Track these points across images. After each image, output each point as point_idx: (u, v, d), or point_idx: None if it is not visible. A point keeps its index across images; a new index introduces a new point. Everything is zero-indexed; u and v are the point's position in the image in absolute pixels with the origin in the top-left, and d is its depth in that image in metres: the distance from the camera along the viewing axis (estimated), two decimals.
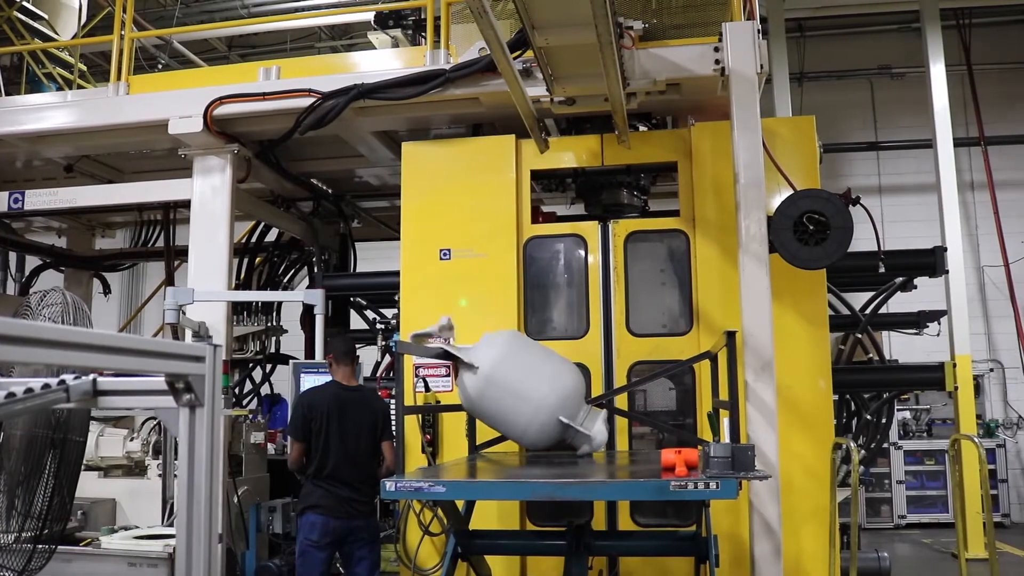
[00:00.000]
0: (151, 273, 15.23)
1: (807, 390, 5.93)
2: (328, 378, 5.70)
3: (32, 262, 10.62)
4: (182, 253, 8.52)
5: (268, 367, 9.53)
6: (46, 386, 2.06)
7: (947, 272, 7.19)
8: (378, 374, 7.80)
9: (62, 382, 2.14)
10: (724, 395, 4.68)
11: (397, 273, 6.70)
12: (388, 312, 8.14)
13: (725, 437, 4.41)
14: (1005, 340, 13.08)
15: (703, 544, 4.79)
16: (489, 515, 5.86)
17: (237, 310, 8.82)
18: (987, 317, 13.13)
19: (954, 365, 6.71)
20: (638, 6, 6.07)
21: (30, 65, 9.65)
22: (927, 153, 11.75)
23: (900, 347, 10.66)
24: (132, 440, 7.05)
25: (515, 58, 6.06)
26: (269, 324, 9.16)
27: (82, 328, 3.63)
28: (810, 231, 5.49)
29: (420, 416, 6.19)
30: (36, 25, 9.98)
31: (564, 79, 5.61)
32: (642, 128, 6.85)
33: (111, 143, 7.86)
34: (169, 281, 9.46)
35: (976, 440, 6.22)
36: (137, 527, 6.20)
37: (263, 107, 6.88)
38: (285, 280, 9.73)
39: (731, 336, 4.41)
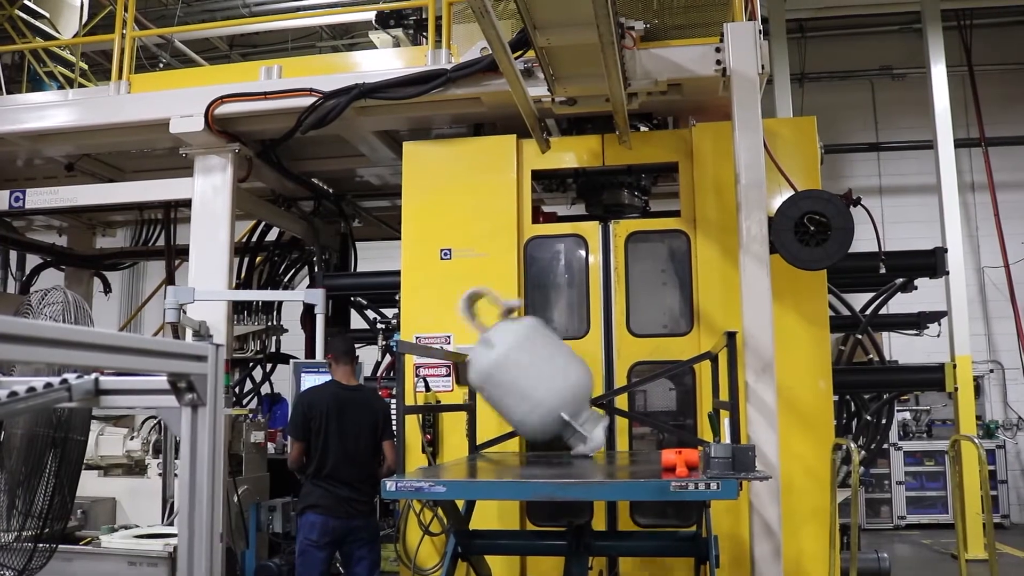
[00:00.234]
0: (151, 272, 15.22)
1: (807, 391, 5.92)
2: (328, 378, 5.69)
3: (33, 261, 10.61)
4: (183, 252, 8.51)
5: (268, 366, 9.53)
6: (48, 385, 2.06)
7: (947, 273, 7.18)
8: (378, 374, 7.80)
9: (64, 381, 2.14)
10: (725, 396, 4.68)
11: (398, 273, 6.69)
12: (389, 312, 8.13)
13: (726, 438, 4.41)
14: (1005, 341, 13.07)
15: (703, 545, 4.78)
16: (489, 515, 5.85)
17: (237, 309, 8.82)
18: (987, 318, 13.13)
19: (954, 366, 6.72)
20: (639, 6, 6.06)
21: (31, 63, 9.65)
22: (928, 154, 11.75)
23: (900, 348, 10.65)
24: (132, 439, 7.05)
25: (516, 58, 6.06)
26: (269, 323, 9.17)
27: (85, 327, 3.63)
28: (811, 232, 5.49)
29: (420, 416, 6.18)
30: (37, 24, 9.98)
31: (565, 79, 5.61)
32: (643, 128, 6.84)
33: (112, 142, 7.86)
34: (170, 280, 9.47)
35: (976, 441, 6.22)
36: (137, 526, 6.19)
37: (264, 106, 6.87)
38: (286, 279, 9.72)
39: (732, 337, 4.41)
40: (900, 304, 7.38)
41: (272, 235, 9.49)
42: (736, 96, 5.56)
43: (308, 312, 8.37)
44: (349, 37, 14.01)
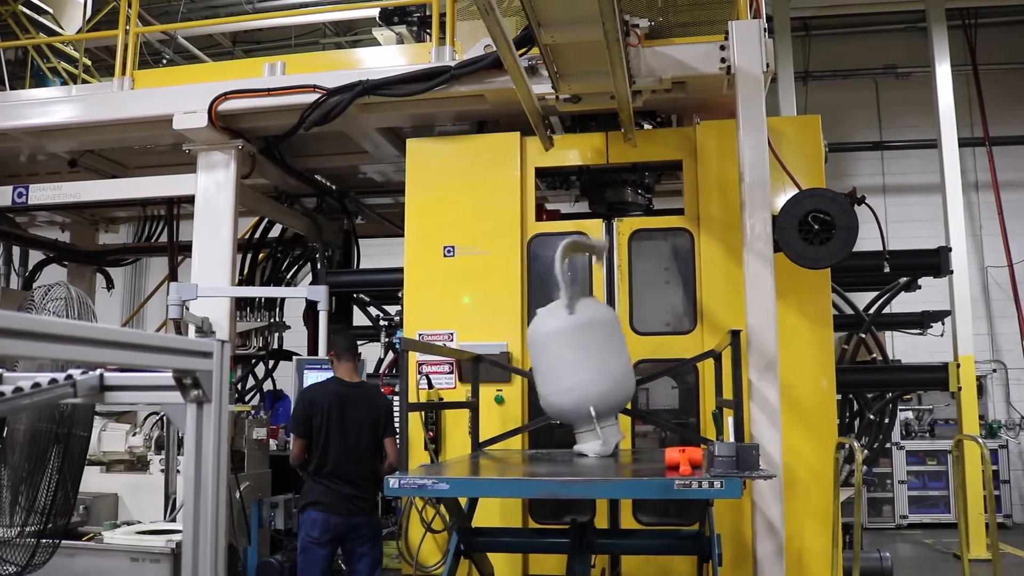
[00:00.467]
0: (154, 268, 15.24)
1: (811, 389, 5.92)
2: (331, 374, 5.69)
3: (35, 257, 10.61)
4: (185, 248, 8.52)
5: (271, 363, 9.53)
6: (53, 381, 2.04)
7: (951, 272, 7.16)
8: (381, 371, 7.79)
9: (69, 377, 2.13)
10: (728, 394, 4.67)
11: (401, 270, 6.69)
12: (391, 309, 8.12)
13: (729, 436, 4.40)
14: (1008, 340, 13.04)
15: (706, 543, 4.78)
16: (492, 512, 5.85)
17: (240, 306, 8.81)
18: (990, 318, 13.10)
19: (957, 365, 6.68)
20: (644, 4, 6.05)
21: (35, 59, 9.66)
22: (932, 153, 11.73)
23: (903, 347, 10.63)
24: (134, 435, 7.04)
25: (521, 55, 6.05)
26: (272, 320, 9.16)
27: (91, 323, 3.62)
28: (815, 230, 5.48)
29: (423, 413, 6.18)
30: (41, 19, 9.99)
31: (569, 76, 5.60)
32: (647, 126, 6.82)
33: (115, 138, 7.85)
34: (172, 276, 9.46)
35: (980, 441, 6.21)
36: (139, 522, 6.19)
37: (268, 103, 6.88)
38: (288, 276, 9.73)
39: (736, 335, 4.40)
40: (903, 303, 7.36)
41: (275, 231, 9.50)
42: (740, 94, 5.55)
43: (311, 309, 8.37)
44: (352, 34, 13.98)
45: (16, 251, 10.63)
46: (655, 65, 5.89)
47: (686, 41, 5.96)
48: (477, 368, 5.78)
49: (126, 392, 2.35)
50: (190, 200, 7.51)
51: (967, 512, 6.86)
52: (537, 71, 5.95)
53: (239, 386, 9.21)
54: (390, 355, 7.79)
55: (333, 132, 7.26)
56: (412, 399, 5.95)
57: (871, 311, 7.05)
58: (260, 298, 9.08)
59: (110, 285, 11.23)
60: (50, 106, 7.60)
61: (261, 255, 9.50)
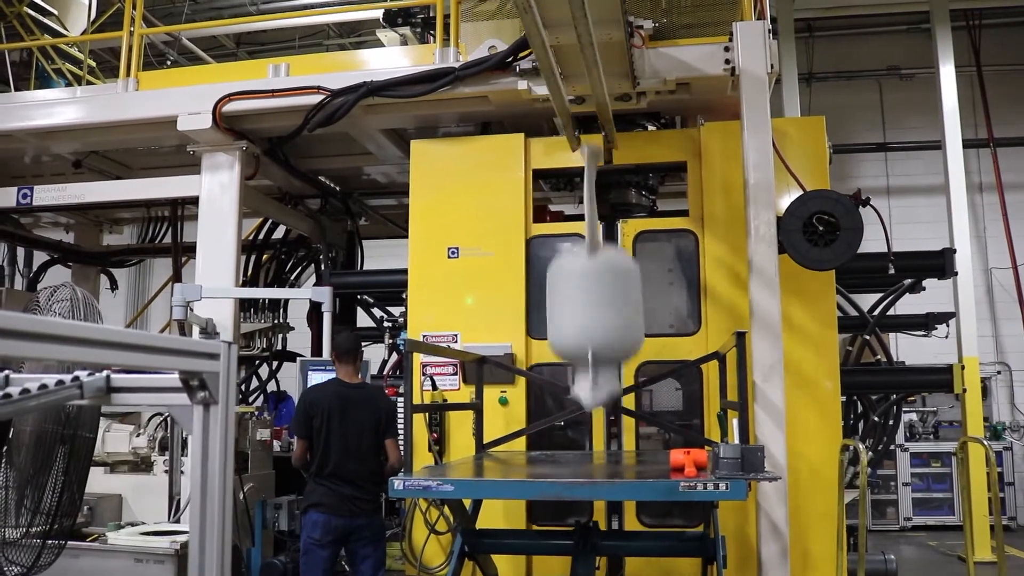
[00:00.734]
0: (158, 270, 15.26)
1: (815, 391, 5.90)
2: (334, 375, 5.68)
3: (40, 258, 10.61)
4: (189, 250, 8.52)
5: (274, 364, 9.52)
6: (60, 383, 2.03)
7: (956, 274, 7.15)
8: (385, 372, 7.80)
9: (76, 378, 2.12)
10: (733, 396, 4.66)
11: (405, 271, 6.68)
12: (395, 310, 8.12)
13: (734, 438, 4.39)
14: (1013, 342, 13.04)
15: (711, 545, 4.77)
16: (495, 514, 5.85)
17: (244, 307, 8.80)
18: (995, 319, 13.08)
19: (962, 367, 6.66)
20: (648, 5, 6.05)
21: (39, 61, 9.66)
22: (936, 154, 11.72)
23: (908, 349, 10.62)
24: (138, 436, 7.04)
25: (523, 57, 6.07)
26: (276, 321, 9.15)
27: (98, 325, 3.62)
28: (819, 232, 5.48)
29: (427, 415, 6.17)
30: (46, 21, 10.00)
31: (573, 77, 5.58)
32: (651, 128, 6.82)
33: (120, 139, 7.85)
34: (176, 277, 9.47)
35: (984, 443, 6.19)
36: (143, 523, 6.19)
37: (272, 104, 6.87)
38: (292, 277, 9.73)
39: (741, 337, 4.39)
40: (908, 305, 7.36)
41: (279, 233, 9.49)
42: (745, 95, 5.55)
43: (315, 310, 8.35)
44: (356, 35, 14.00)
45: (21, 252, 10.63)
46: (659, 66, 5.89)
47: (690, 42, 5.95)
48: (481, 369, 5.78)
49: (132, 394, 2.33)
50: (194, 201, 7.51)
51: (972, 514, 6.86)
52: (540, 72, 5.92)
53: (243, 387, 9.20)
54: (394, 356, 7.78)
55: (337, 133, 7.26)
56: (416, 400, 5.94)
57: (875, 313, 7.04)
58: (264, 299, 9.08)
59: (114, 286, 11.22)
60: (55, 107, 7.61)
61: (265, 256, 9.49)
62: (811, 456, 5.78)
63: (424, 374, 6.32)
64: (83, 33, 10.37)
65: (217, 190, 7.18)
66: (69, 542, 4.40)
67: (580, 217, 6.99)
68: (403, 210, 7.90)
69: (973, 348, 10.12)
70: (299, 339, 9.54)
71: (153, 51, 12.17)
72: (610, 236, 6.33)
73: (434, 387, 6.28)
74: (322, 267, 9.16)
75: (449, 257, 6.49)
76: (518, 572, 6.01)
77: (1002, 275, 13.12)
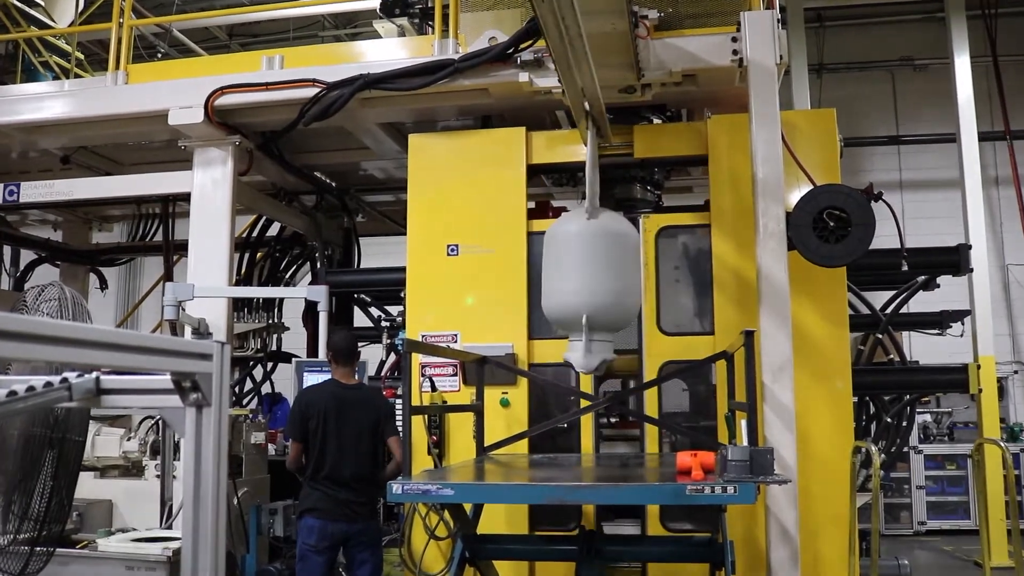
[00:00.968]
0: (148, 268, 15.14)
1: (826, 391, 5.79)
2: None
3: (27, 256, 10.54)
4: (181, 248, 8.42)
5: (269, 365, 9.43)
6: (48, 384, 1.98)
7: (971, 270, 7.04)
8: (383, 373, 7.68)
9: (64, 380, 2.07)
10: (741, 396, 4.55)
11: (403, 269, 6.58)
12: (393, 309, 8.01)
13: (743, 440, 4.27)
14: None
15: (719, 550, 4.69)
16: (497, 519, 5.73)
17: (237, 306, 8.76)
18: (1011, 317, 12.87)
19: (978, 367, 6.56)
20: None
21: (26, 53, 9.58)
22: (950, 147, 11.53)
23: (922, 348, 10.45)
24: (129, 440, 6.92)
25: (525, 48, 5.95)
26: (270, 321, 9.11)
27: (87, 325, 3.51)
28: (830, 227, 5.37)
29: (426, 417, 6.05)
30: (32, 12, 9.88)
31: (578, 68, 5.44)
32: (656, 120, 6.70)
33: (109, 134, 7.76)
34: (168, 276, 9.41)
35: (1001, 444, 6.09)
36: (135, 529, 6.07)
37: (266, 97, 6.79)
38: (287, 276, 9.65)
39: (749, 336, 4.28)
40: (921, 303, 7.23)
41: (273, 230, 9.41)
42: (753, 87, 5.45)
43: (310, 309, 8.27)
44: (352, 26, 13.88)
45: (7, 250, 10.53)
46: (665, 57, 5.78)
47: (697, 32, 5.86)
48: (482, 370, 5.67)
49: (123, 396, 2.28)
50: (186, 198, 7.43)
51: (988, 518, 6.75)
52: (543, 64, 5.85)
53: (236, 389, 9.09)
54: (392, 357, 7.69)
55: (333, 127, 7.17)
56: (415, 402, 5.81)
57: (888, 311, 6.96)
58: (258, 298, 9.01)
59: (104, 285, 11.15)
60: (42, 101, 7.50)
61: (259, 254, 9.44)
62: (822, 458, 5.67)
63: (423, 375, 6.23)
64: (71, 25, 10.30)
65: (209, 186, 7.09)
66: (58, 549, 4.29)
67: None
68: (401, 206, 7.77)
69: (989, 347, 9.95)
70: (294, 339, 9.46)
71: (143, 43, 12.04)
72: None
73: (433, 388, 6.18)
74: (318, 265, 9.09)
75: (448, 254, 6.39)
76: None
77: (1019, 271, 12.94)
